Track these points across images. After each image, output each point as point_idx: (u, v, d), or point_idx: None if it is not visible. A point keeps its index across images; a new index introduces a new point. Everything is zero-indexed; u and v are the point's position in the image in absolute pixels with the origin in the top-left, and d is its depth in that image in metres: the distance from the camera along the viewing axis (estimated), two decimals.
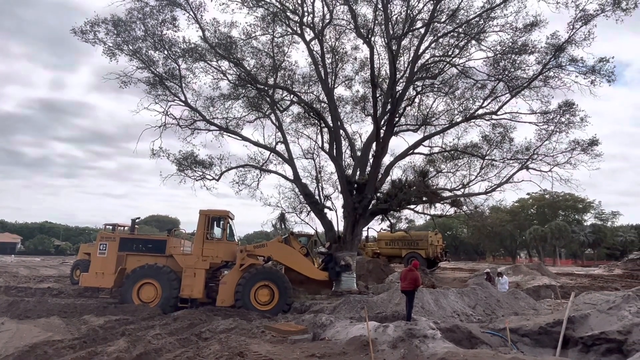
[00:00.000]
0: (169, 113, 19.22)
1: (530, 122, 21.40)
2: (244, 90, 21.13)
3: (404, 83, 19.51)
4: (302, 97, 20.22)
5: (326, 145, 20.38)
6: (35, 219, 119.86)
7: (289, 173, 21.06)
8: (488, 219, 23.88)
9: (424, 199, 20.76)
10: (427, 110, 21.39)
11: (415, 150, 21.14)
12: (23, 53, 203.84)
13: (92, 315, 12.92)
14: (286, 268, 17.63)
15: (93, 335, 10.27)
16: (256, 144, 20.31)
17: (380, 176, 19.95)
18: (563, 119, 20.75)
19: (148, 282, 15.68)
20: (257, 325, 11.54)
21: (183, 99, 19.39)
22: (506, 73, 20.19)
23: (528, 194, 68.88)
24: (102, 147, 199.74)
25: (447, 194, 22.17)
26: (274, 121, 21.07)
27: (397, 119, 19.49)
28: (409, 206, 20.20)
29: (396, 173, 22.34)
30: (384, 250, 34.61)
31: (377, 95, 18.41)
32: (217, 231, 17.28)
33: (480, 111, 20.90)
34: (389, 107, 18.45)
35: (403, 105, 19.87)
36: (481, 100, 20.98)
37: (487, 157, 21.68)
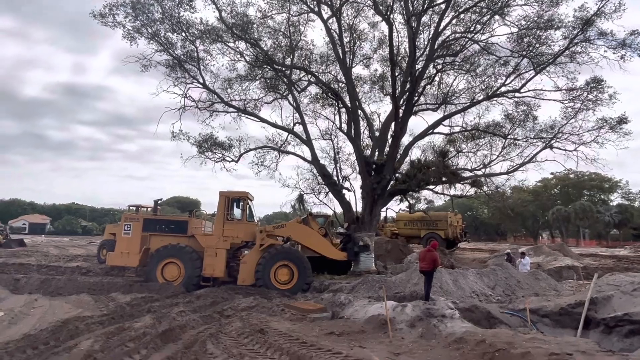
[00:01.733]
0: (187, 95, 19.40)
1: (555, 100, 20.74)
2: (260, 71, 21.03)
3: (424, 61, 19.08)
4: (320, 77, 19.98)
5: (344, 126, 20.22)
6: (62, 200, 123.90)
7: (307, 154, 21.08)
8: (509, 199, 23.48)
9: (444, 179, 20.52)
10: (448, 88, 20.92)
11: (435, 130, 20.80)
12: (44, 38, 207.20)
13: (119, 293, 13.45)
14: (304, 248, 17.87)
15: (120, 312, 10.67)
16: (274, 125, 20.33)
17: (398, 156, 19.76)
18: (590, 96, 20.01)
19: (171, 261, 16.11)
20: (277, 304, 11.78)
21: (201, 81, 19.49)
22: (531, 49, 19.47)
23: (552, 173, 67.26)
24: (124, 130, 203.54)
25: (467, 174, 21.85)
26: (292, 102, 20.99)
27: (416, 98, 19.10)
28: (428, 187, 20.00)
29: (415, 153, 22.06)
30: (402, 231, 34.58)
31: (396, 74, 18.07)
32: (237, 212, 17.56)
33: (503, 89, 20.32)
34: (408, 86, 18.10)
35: (422, 84, 19.44)
36: (504, 78, 20.39)
37: (509, 137, 21.17)
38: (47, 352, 7.06)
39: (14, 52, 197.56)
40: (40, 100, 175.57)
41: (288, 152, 21.01)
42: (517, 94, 20.11)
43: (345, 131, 19.78)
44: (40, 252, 29.29)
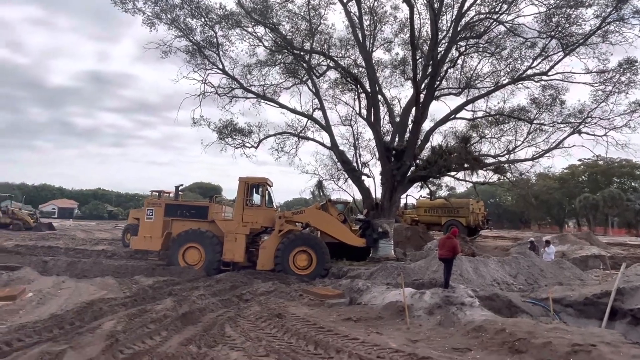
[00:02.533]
0: (207, 81, 19.44)
1: (584, 83, 19.88)
2: (280, 56, 20.87)
3: (447, 44, 18.49)
4: (339, 61, 19.60)
5: (364, 112, 19.93)
6: (88, 186, 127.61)
7: (327, 140, 20.94)
8: (534, 186, 22.82)
9: (466, 165, 20.10)
10: (471, 72, 20.26)
11: (458, 115, 20.28)
12: (70, 26, 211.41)
13: (142, 276, 13.78)
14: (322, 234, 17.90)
15: (143, 294, 10.94)
16: (293, 111, 20.21)
17: (419, 142, 19.42)
18: (623, 78, 19.08)
19: (192, 246, 16.41)
20: (295, 289, 11.86)
21: (221, 67, 19.49)
22: (559, 29, 18.61)
23: (580, 160, 65.03)
24: (147, 116, 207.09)
25: (490, 160, 21.35)
26: (311, 87, 20.79)
27: (438, 83, 18.57)
28: (449, 173, 19.63)
29: (437, 139, 21.68)
30: (423, 218, 34.23)
31: (417, 57, 17.57)
32: (257, 198, 17.67)
33: (530, 72, 19.57)
34: (429, 70, 17.62)
35: (445, 68, 18.86)
36: (530, 60, 19.61)
37: (535, 122, 20.48)
38: (72, 332, 7.29)
39: (41, 41, 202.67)
40: (66, 88, 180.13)
41: (307, 138, 20.93)
42: (544, 77, 19.36)
43: (365, 117, 19.50)
44: (68, 236, 30.32)
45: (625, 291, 9.78)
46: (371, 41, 19.58)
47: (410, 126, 18.40)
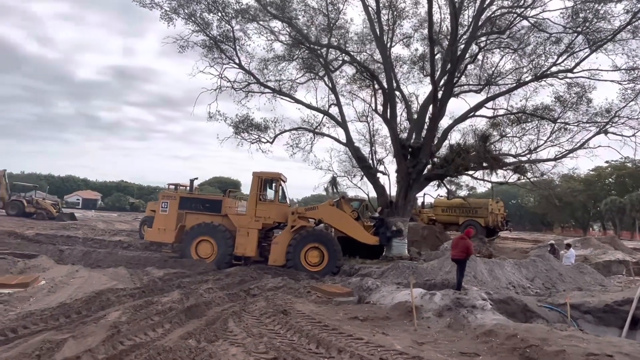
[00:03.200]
0: (223, 76, 19.44)
1: (612, 81, 19.00)
2: (298, 52, 20.71)
3: (467, 39, 17.97)
4: (356, 56, 19.22)
5: (380, 108, 19.56)
6: (111, 178, 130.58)
7: (343, 137, 20.71)
8: (557, 188, 22.07)
9: (484, 164, 19.58)
10: (492, 69, 19.61)
11: (477, 113, 19.73)
12: (98, 22, 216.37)
13: (153, 268, 13.90)
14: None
15: (152, 286, 11.01)
16: (309, 106, 20.05)
17: (436, 140, 19.00)
18: None
19: (205, 239, 16.47)
20: (305, 286, 11.74)
21: (237, 61, 19.45)
22: (587, 25, 17.86)
23: (607, 162, 62.76)
24: (170, 111, 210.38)
25: (510, 160, 20.76)
26: (327, 83, 20.55)
27: (457, 79, 18.05)
28: (467, 172, 19.14)
29: (455, 137, 21.13)
30: (440, 217, 33.66)
31: (436, 53, 17.13)
32: (270, 193, 17.62)
33: (554, 69, 18.85)
34: (449, 66, 17.15)
35: (465, 64, 18.29)
36: (555, 57, 18.87)
37: (559, 121, 19.74)
38: (77, 321, 7.34)
39: (70, 36, 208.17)
40: (93, 82, 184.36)
41: (322, 134, 20.72)
42: (569, 75, 18.62)
43: (381, 113, 19.15)
44: (89, 226, 30.98)
45: None
46: (389, 36, 19.18)
47: (427, 123, 17.98)
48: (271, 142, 21.55)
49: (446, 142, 19.44)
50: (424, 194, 33.25)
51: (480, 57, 18.98)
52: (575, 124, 20.68)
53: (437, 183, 21.43)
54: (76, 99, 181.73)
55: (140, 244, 20.42)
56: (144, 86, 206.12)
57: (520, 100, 19.83)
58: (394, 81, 18.29)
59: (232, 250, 16.38)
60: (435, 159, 19.50)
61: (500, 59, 19.57)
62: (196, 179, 19.19)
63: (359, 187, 20.28)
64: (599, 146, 19.78)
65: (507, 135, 21.97)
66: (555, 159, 20.39)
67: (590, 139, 19.92)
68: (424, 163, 17.46)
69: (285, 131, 21.27)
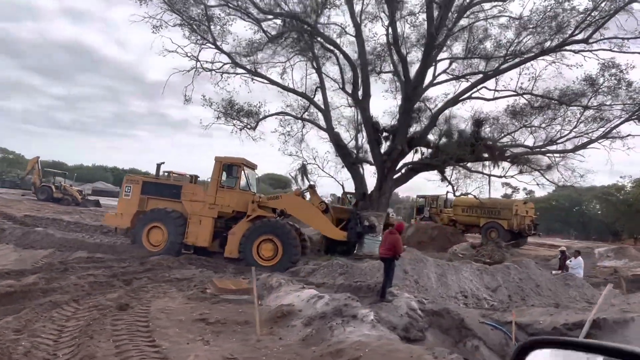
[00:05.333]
0: (191, 57, 18.21)
1: None
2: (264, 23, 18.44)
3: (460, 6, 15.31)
4: (320, 28, 16.83)
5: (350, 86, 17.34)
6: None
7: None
8: (582, 183, 18.53)
9: (485, 155, 16.93)
10: (482, 36, 16.37)
11: (474, 95, 16.94)
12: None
13: (84, 251, 13.13)
14: None
15: (48, 268, 10.13)
16: (285, 87, 18.28)
17: (424, 126, 16.60)
18: None
19: (157, 225, 15.55)
20: (206, 278, 10.29)
21: (211, 40, 18.25)
22: None
23: None
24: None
25: (521, 149, 17.85)
26: (314, 64, 18.68)
27: (436, 51, 15.34)
28: (461, 164, 16.54)
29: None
30: (460, 218, 30.50)
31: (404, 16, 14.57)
32: (231, 180, 16.34)
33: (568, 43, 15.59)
34: (425, 38, 14.61)
35: (447, 32, 15.23)
36: (572, 28, 15.60)
37: (573, 105, 16.50)
38: None
39: (143, 39, 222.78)
40: (162, 83, 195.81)
41: (303, 119, 18.97)
42: (585, 46, 15.32)
43: (351, 92, 16.97)
44: (101, 212, 31.59)
45: (605, 324, 6.77)
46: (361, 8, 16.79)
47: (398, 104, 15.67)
48: (254, 128, 20.22)
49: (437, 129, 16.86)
50: (447, 192, 30.25)
51: (464, 22, 15.88)
52: (609, 108, 17.30)
53: (440, 177, 18.86)
54: (148, 98, 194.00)
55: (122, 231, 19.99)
56: (208, 86, 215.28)
57: (529, 81, 16.72)
58: (367, 56, 15.95)
59: (182, 239, 15.29)
60: (430, 148, 17.09)
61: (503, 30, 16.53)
62: (163, 163, 18.31)
63: (331, 176, 18.30)
64: (629, 135, 16.36)
65: (529, 125, 18.88)
66: (574, 150, 17.22)
67: (617, 126, 16.58)
68: (399, 150, 15.16)
69: (268, 116, 19.86)
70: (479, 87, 16.35)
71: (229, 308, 8.11)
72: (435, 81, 18.34)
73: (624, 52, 15.22)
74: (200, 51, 18.99)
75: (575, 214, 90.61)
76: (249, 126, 20.61)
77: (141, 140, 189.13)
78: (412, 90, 14.98)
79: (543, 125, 18.71)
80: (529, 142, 18.59)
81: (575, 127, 18.20)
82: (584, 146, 17.01)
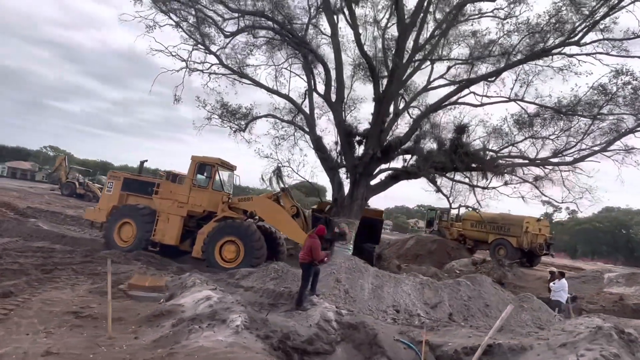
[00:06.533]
0: (177, 56, 18.31)
1: None
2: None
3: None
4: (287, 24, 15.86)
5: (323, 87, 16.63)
6: None
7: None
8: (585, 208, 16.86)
9: (473, 165, 15.89)
10: (470, 39, 15.26)
11: (462, 100, 15.88)
12: None
13: (48, 242, 13.43)
14: None
15: None
16: (267, 88, 17.94)
17: (407, 130, 15.77)
18: None
19: (127, 221, 15.70)
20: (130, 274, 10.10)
21: (200, 41, 18.28)
22: None
23: None
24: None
25: (518, 160, 16.64)
26: (304, 64, 18.14)
27: (413, 42, 14.11)
28: (443, 173, 15.54)
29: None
30: (469, 233, 28.85)
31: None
32: (203, 179, 16.28)
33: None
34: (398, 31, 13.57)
35: (420, 30, 14.14)
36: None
37: (567, 113, 15.11)
38: None
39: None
40: (206, 90, 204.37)
41: (288, 122, 18.61)
42: (577, 49, 13.94)
43: (324, 93, 16.34)
44: None
45: (500, 350, 5.90)
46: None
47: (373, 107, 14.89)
48: (243, 130, 20.13)
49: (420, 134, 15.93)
50: (460, 205, 28.63)
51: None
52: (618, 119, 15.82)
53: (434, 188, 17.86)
54: (192, 103, 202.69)
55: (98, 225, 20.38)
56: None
57: (520, 87, 15.50)
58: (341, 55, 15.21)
59: (149, 236, 15.34)
60: (409, 155, 16.23)
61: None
62: (146, 161, 18.60)
63: (307, 180, 17.70)
64: (633, 148, 14.81)
65: (538, 137, 17.59)
66: (572, 163, 15.83)
67: (621, 137, 15.06)
68: (371, 154, 14.42)
69: (255, 118, 19.69)
70: (466, 93, 15.32)
71: (123, 304, 7.87)
72: (430, 86, 17.61)
73: (623, 57, 13.79)
74: (192, 51, 19.13)
75: (623, 236, 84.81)
76: (238, 128, 20.52)
77: (187, 144, 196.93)
78: (383, 92, 14.29)
79: (552, 136, 17.43)
80: (530, 153, 17.34)
81: (582, 139, 16.83)
82: (582, 159, 15.53)
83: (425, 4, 13.38)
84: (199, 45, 19.02)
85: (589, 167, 17.01)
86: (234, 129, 20.76)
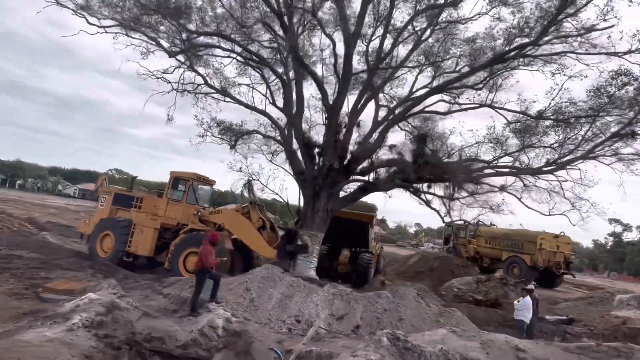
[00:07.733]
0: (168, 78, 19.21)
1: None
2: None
3: None
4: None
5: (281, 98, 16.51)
6: (224, 186, 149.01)
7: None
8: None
9: (445, 177, 15.25)
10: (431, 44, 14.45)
11: (429, 109, 15.29)
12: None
13: (26, 251, 14.64)
14: None
15: None
16: (247, 105, 18.45)
17: (372, 141, 15.46)
18: None
19: (108, 233, 16.74)
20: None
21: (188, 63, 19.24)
22: None
23: None
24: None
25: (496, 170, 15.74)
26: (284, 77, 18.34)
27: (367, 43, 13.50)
28: (404, 185, 14.93)
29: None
30: (483, 250, 27.17)
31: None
32: (178, 193, 17.00)
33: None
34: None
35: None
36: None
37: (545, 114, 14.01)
38: None
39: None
40: (256, 118, 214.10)
41: (266, 136, 18.89)
42: (544, 50, 12.95)
43: (282, 106, 16.31)
44: None
45: (309, 357, 5.63)
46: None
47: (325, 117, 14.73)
48: (232, 147, 20.79)
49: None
50: (477, 220, 27.00)
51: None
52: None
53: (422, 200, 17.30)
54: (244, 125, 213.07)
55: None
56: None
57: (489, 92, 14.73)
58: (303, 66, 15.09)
59: (124, 247, 16.20)
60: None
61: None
62: (136, 177, 19.75)
63: (276, 193, 17.71)
64: (616, 155, 13.47)
65: (534, 145, 16.64)
66: (552, 171, 14.68)
67: (604, 142, 13.77)
68: (328, 166, 14.28)
69: (242, 134, 20.24)
70: (433, 101, 14.74)
71: (26, 304, 8.44)
72: (412, 96, 17.24)
73: (596, 54, 12.59)
74: (183, 73, 20.16)
75: None
76: (228, 144, 21.15)
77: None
78: (338, 100, 14.20)
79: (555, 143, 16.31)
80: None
81: (578, 146, 15.59)
82: (563, 166, 14.28)
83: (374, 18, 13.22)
84: (183, 65, 20.06)
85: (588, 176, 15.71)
86: (230, 145, 21.46)
